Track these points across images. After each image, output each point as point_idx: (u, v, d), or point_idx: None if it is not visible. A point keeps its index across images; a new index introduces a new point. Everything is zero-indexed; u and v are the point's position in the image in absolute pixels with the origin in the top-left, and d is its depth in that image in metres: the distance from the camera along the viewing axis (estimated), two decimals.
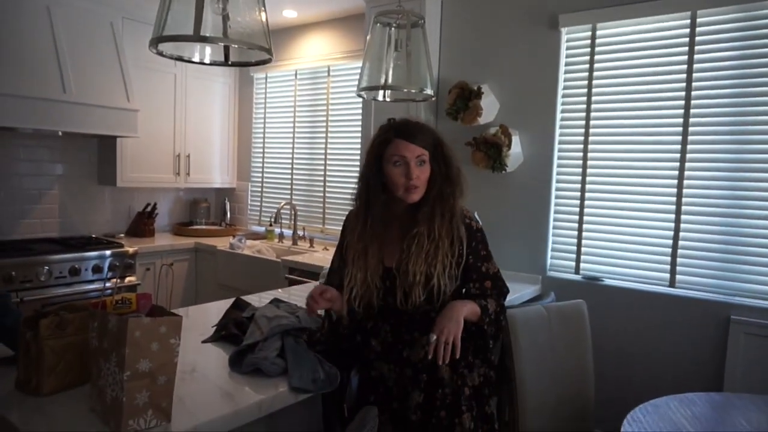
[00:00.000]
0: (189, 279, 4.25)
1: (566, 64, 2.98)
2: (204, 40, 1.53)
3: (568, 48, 2.97)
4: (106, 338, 1.20)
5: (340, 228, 1.79)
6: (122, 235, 4.29)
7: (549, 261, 3.07)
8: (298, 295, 2.51)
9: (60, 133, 3.68)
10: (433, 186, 1.57)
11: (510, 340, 1.97)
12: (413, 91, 2.30)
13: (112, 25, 3.90)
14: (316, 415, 1.72)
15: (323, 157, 4.27)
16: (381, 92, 2.54)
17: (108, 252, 3.67)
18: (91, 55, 3.71)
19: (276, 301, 2.02)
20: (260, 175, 4.78)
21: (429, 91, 2.33)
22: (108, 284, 3.13)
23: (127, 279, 3.77)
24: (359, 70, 3.86)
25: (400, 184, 1.54)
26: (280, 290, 2.70)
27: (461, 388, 1.55)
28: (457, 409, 1.52)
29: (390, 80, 2.35)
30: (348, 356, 1.64)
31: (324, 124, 4.26)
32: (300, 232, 4.28)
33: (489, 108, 3.13)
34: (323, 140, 4.27)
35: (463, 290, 1.67)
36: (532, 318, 2.06)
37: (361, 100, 3.81)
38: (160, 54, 1.67)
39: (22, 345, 1.36)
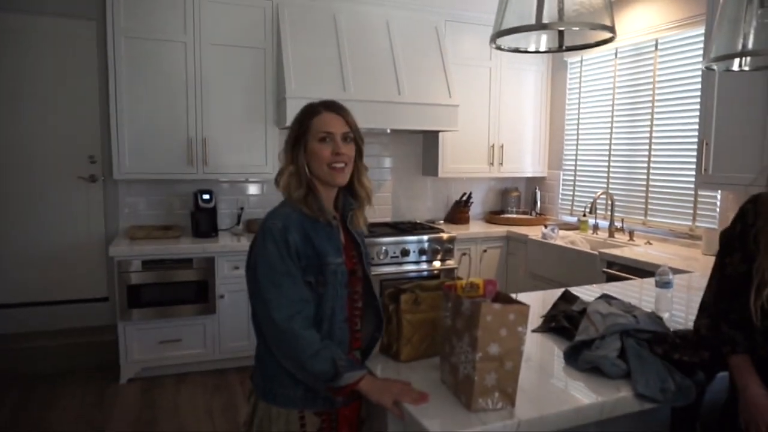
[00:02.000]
0: (500, 266, 4.38)
1: None
2: (545, 27, 1.52)
3: None
4: (459, 319, 1.29)
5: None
6: (441, 221, 4.68)
7: None
8: (630, 292, 2.34)
9: (388, 131, 4.20)
10: None
11: None
12: None
13: (437, 29, 4.26)
14: (657, 428, 1.56)
15: (647, 142, 3.87)
16: (737, 61, 2.13)
17: (432, 236, 4.05)
18: (419, 59, 4.12)
19: (606, 297, 1.90)
20: (573, 163, 4.61)
21: None
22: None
23: (446, 262, 4.09)
24: (696, 39, 3.45)
25: None
26: (603, 285, 2.55)
27: None
28: None
29: (752, 44, 1.95)
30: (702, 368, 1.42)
31: (649, 105, 3.85)
32: (617, 224, 3.98)
33: None
34: (647, 123, 3.86)
35: None
36: None
37: (698, 74, 3.32)
38: (499, 48, 1.72)
39: (386, 316, 1.57)
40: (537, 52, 1.83)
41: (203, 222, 3.78)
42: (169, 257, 3.47)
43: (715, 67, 2.20)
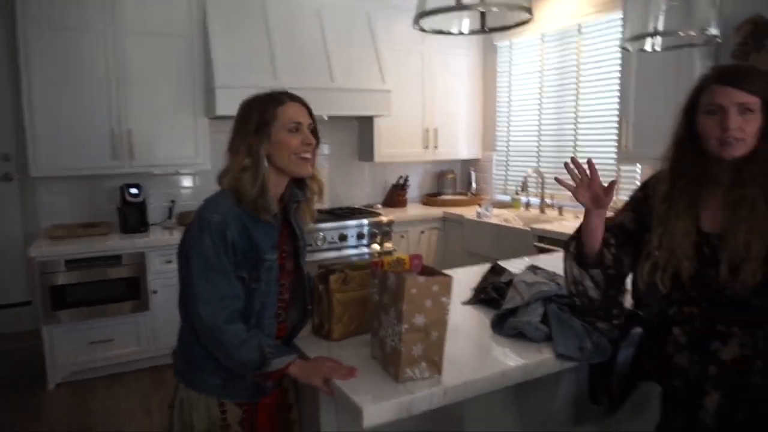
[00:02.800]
0: (439, 246, 4.46)
1: None
2: (464, 8, 1.55)
3: None
4: (385, 294, 1.31)
5: None
6: (379, 205, 4.71)
7: None
8: (557, 263, 2.42)
9: (326, 117, 4.18)
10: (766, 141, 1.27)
11: None
12: (693, 34, 1.97)
13: (368, 15, 4.24)
14: (579, 385, 1.64)
15: (573, 121, 4.02)
16: (649, 41, 2.24)
17: (369, 221, 4.07)
18: (351, 45, 4.11)
19: (533, 268, 1.97)
20: (505, 144, 4.73)
21: (713, 32, 1.97)
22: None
23: (385, 245, 4.12)
24: (615, 23, 3.60)
25: (713, 136, 1.28)
26: (534, 257, 2.64)
27: None
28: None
29: (662, 26, 2.06)
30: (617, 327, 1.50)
31: (574, 87, 3.99)
32: (548, 200, 4.13)
33: None
34: (573, 104, 4.01)
35: None
36: None
37: (618, 56, 3.47)
38: (422, 30, 1.73)
39: (316, 297, 1.57)
40: (461, 33, 1.85)
41: (131, 217, 3.63)
42: (96, 255, 3.31)
43: (629, 47, 2.30)
